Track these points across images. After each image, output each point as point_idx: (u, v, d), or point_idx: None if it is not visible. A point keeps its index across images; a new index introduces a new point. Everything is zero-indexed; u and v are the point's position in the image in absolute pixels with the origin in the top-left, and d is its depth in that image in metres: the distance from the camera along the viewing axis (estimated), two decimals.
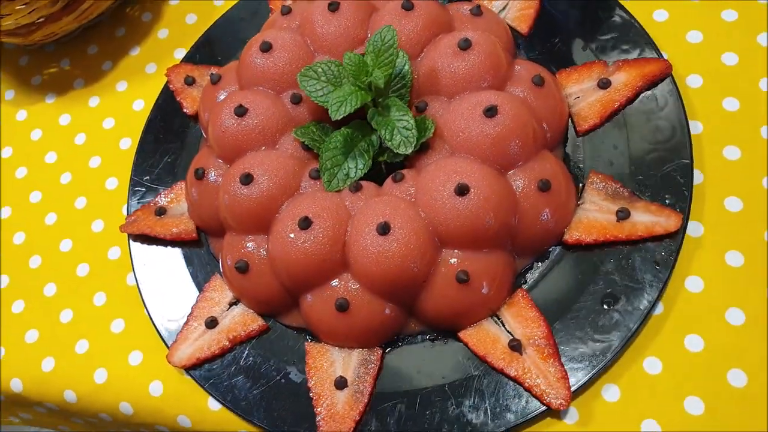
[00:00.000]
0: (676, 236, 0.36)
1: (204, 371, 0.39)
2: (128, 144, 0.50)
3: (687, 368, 0.35)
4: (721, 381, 0.34)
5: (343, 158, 0.38)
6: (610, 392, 0.35)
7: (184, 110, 0.48)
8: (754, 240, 0.37)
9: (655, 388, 0.34)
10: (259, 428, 0.37)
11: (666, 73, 0.40)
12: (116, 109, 0.52)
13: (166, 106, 0.48)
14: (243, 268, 0.38)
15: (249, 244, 0.38)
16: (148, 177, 0.46)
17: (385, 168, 0.40)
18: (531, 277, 0.38)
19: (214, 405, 0.39)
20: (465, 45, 0.38)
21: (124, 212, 0.47)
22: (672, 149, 0.38)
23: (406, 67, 0.39)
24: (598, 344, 0.35)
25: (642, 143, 0.39)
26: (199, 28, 0.53)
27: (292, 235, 0.36)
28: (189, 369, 0.39)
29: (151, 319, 0.41)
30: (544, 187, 0.36)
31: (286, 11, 0.45)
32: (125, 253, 0.46)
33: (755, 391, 0.33)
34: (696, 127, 0.40)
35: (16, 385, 0.43)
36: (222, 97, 0.44)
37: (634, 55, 0.41)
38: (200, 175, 0.41)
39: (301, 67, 0.41)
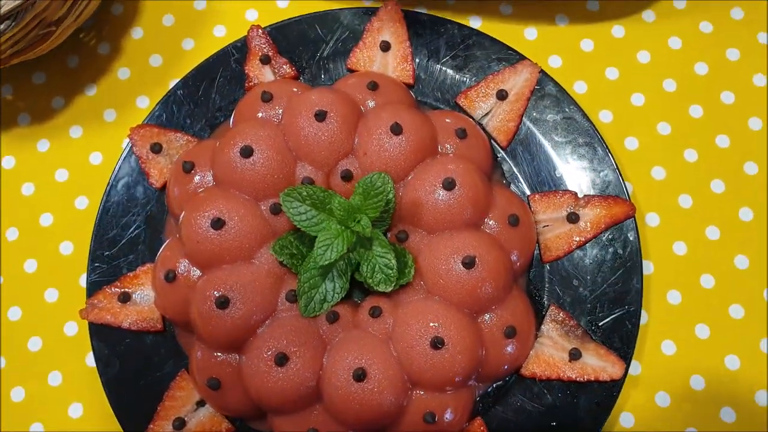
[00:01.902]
0: (618, 381, 0.40)
1: None
2: (85, 204, 0.47)
3: None
4: None
5: (321, 279, 0.39)
6: None
7: (151, 181, 0.45)
8: (682, 383, 0.42)
9: None
10: None
11: (630, 216, 0.43)
12: (70, 160, 0.48)
13: (130, 171, 0.46)
14: (215, 386, 0.39)
15: (221, 361, 0.39)
16: (109, 252, 0.44)
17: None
18: (486, 401, 0.41)
19: None
20: (449, 186, 0.39)
21: (82, 284, 0.46)
22: (625, 294, 0.42)
23: (390, 195, 0.39)
24: None
25: (599, 283, 0.42)
26: (164, 73, 0.50)
27: (268, 371, 0.37)
28: None
29: (115, 413, 0.41)
30: (510, 334, 0.39)
31: (268, 98, 0.43)
32: (83, 329, 0.44)
33: None
34: (647, 268, 0.44)
35: None
36: (196, 181, 0.42)
37: (605, 188, 0.43)
38: (171, 278, 0.40)
39: (283, 176, 0.41)
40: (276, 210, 0.40)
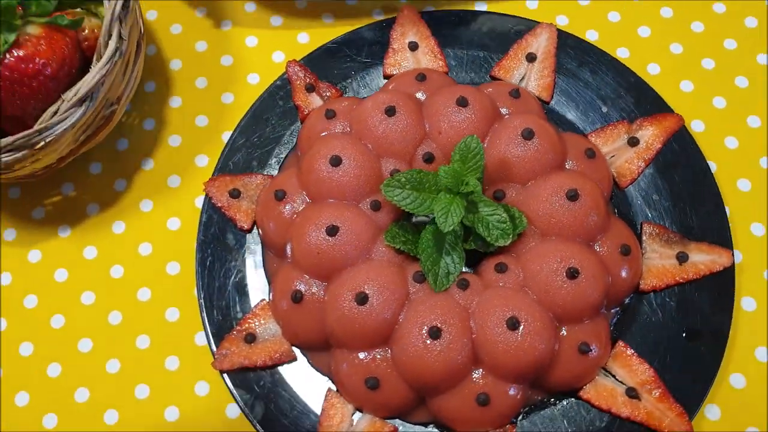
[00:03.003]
0: (730, 269, 0.43)
1: None
2: (176, 269, 0.48)
3: (761, 377, 0.42)
4: None
5: (439, 256, 0.41)
6: (712, 412, 0.41)
7: (240, 225, 0.47)
8: None
9: (745, 398, 0.42)
10: None
11: (681, 125, 0.47)
12: (149, 233, 0.49)
13: (214, 222, 0.47)
14: (375, 385, 0.39)
15: (372, 358, 0.40)
16: (219, 302, 0.45)
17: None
18: (619, 327, 0.43)
19: None
20: (529, 136, 0.42)
21: (197, 342, 0.46)
22: (703, 192, 0.45)
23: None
24: (693, 378, 0.41)
25: (676, 190, 0.45)
26: (214, 129, 0.52)
27: (425, 347, 0.38)
28: None
29: None
30: (626, 251, 0.41)
31: (332, 115, 0.46)
32: (214, 386, 0.44)
33: None
34: (710, 166, 0.48)
35: None
36: (289, 209, 0.44)
37: (648, 109, 0.47)
38: (298, 299, 0.41)
39: (372, 175, 0.43)
40: (376, 207, 0.42)
